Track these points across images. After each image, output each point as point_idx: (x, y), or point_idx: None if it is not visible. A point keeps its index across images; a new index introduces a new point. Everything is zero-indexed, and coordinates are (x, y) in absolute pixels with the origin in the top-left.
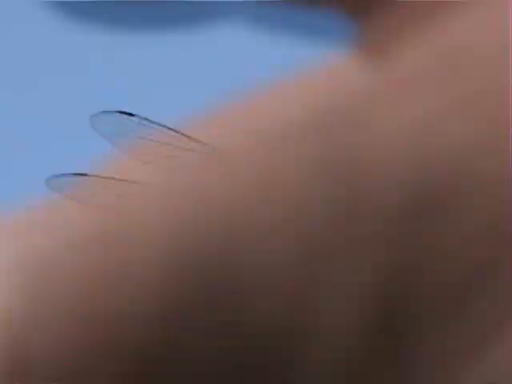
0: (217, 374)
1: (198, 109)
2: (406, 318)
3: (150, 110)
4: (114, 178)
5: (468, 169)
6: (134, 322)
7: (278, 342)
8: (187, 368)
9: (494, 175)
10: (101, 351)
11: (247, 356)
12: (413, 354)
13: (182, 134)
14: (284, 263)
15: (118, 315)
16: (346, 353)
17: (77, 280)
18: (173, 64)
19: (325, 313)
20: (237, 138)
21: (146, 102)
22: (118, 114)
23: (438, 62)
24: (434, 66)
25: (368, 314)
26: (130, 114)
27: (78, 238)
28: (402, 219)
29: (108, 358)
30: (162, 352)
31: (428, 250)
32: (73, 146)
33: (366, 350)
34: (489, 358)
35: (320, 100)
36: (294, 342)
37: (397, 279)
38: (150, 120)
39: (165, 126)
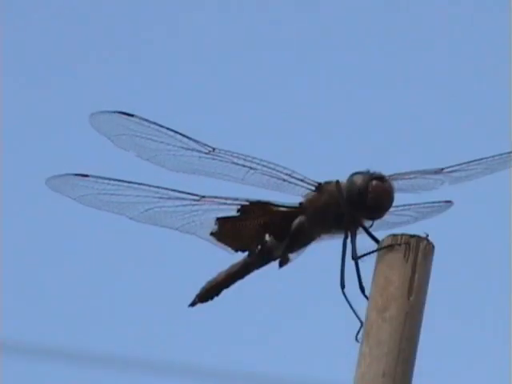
0: None
1: None
2: None
3: None
4: (114, 179)
5: None
6: None
7: None
8: None
9: None
10: None
11: None
12: None
13: (182, 134)
14: None
15: None
16: None
17: None
18: None
19: None
20: None
21: None
22: (117, 113)
23: None
24: None
25: None
26: (130, 115)
27: None
28: None
29: None
30: None
31: None
32: (73, 146)
33: None
34: None
35: None
36: None
37: None
38: (149, 121)
39: (164, 127)
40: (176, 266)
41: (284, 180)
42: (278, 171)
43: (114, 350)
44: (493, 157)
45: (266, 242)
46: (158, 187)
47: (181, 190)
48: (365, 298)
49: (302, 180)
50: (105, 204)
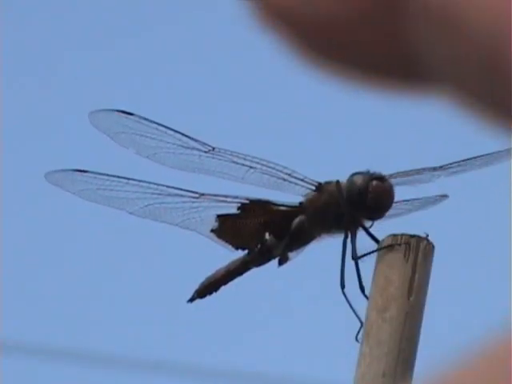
0: None
1: None
2: None
3: None
4: (113, 176)
5: None
6: None
7: None
8: None
9: None
10: None
11: None
12: None
13: (182, 133)
14: None
15: None
16: None
17: None
18: None
19: None
20: None
21: None
22: (116, 112)
23: None
24: None
25: None
26: (129, 113)
27: None
28: None
29: None
30: None
31: None
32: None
33: None
34: None
35: None
36: None
37: None
38: (149, 119)
39: (163, 126)
40: (175, 263)
41: (284, 179)
42: (278, 170)
43: (113, 350)
44: (491, 154)
45: (266, 240)
46: (157, 184)
47: (180, 187)
48: (365, 298)
49: (302, 180)
50: (104, 199)
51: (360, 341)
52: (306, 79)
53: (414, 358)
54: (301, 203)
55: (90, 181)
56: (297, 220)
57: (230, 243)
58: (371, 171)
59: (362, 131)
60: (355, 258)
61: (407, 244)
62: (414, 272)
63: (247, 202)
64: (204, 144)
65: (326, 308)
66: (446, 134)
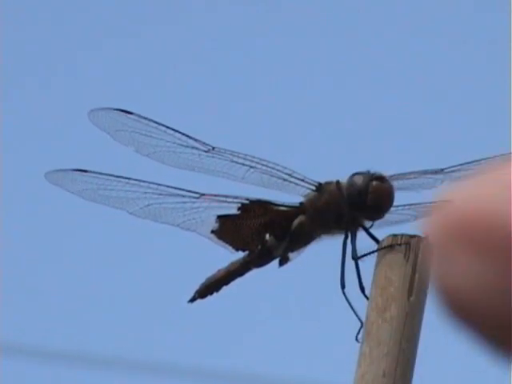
0: None
1: None
2: None
3: None
4: (113, 175)
5: None
6: None
7: None
8: None
9: None
10: None
11: None
12: None
13: (182, 132)
14: None
15: None
16: None
17: None
18: None
19: None
20: None
21: None
22: (116, 111)
23: None
24: None
25: None
26: (129, 112)
27: None
28: None
29: None
30: None
31: None
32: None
33: None
34: None
35: None
36: None
37: None
38: (148, 118)
39: (163, 125)
40: (174, 264)
41: (284, 179)
42: (278, 171)
43: (113, 350)
44: (493, 157)
45: (266, 241)
46: (157, 184)
47: (181, 186)
48: (365, 298)
49: (302, 180)
50: (104, 198)
51: (360, 341)
52: (306, 78)
53: (414, 358)
54: (301, 203)
55: (90, 180)
56: (297, 220)
57: (231, 244)
58: (371, 171)
59: (363, 131)
60: (355, 258)
61: (407, 244)
62: (414, 272)
63: (247, 202)
64: (204, 143)
65: (326, 308)
66: (446, 133)
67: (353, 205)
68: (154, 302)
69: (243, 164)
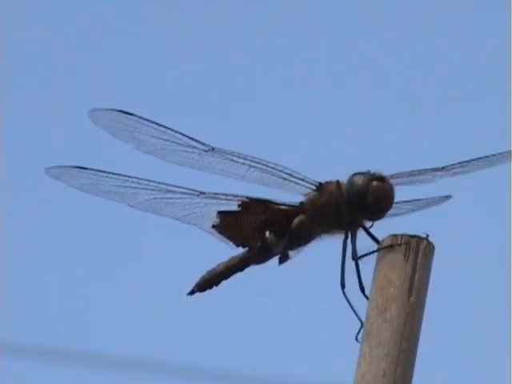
0: None
1: None
2: None
3: None
4: (112, 173)
5: None
6: None
7: None
8: None
9: None
10: None
11: None
12: None
13: (182, 133)
14: None
15: None
16: None
17: None
18: None
19: None
20: None
21: None
22: (116, 112)
23: None
24: None
25: None
26: (129, 113)
27: None
28: None
29: None
30: None
31: None
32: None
33: None
34: None
35: None
36: None
37: None
38: (148, 119)
39: (163, 126)
40: (173, 263)
41: (284, 179)
42: (278, 170)
43: (113, 349)
44: (493, 155)
45: (266, 238)
46: (156, 182)
47: (181, 184)
48: (365, 298)
49: (302, 179)
50: (105, 193)
51: (360, 341)
52: (306, 78)
53: (414, 358)
54: (301, 203)
55: (90, 177)
56: (297, 219)
57: (231, 240)
58: (372, 172)
59: (363, 131)
60: (355, 258)
61: (407, 244)
62: (414, 272)
63: (247, 200)
64: (204, 144)
65: (326, 308)
66: (446, 133)
67: (353, 205)
68: (154, 300)
69: (243, 163)
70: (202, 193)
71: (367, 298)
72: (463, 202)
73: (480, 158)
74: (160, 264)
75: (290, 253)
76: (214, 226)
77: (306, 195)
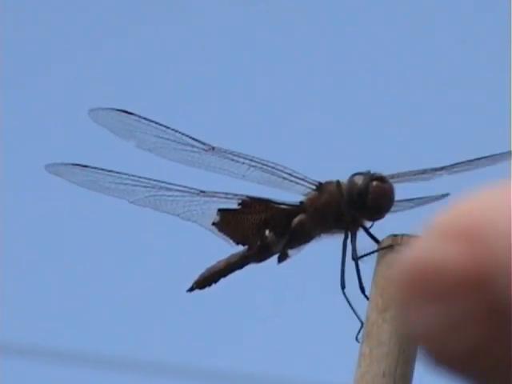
0: None
1: None
2: None
3: None
4: (112, 171)
5: None
6: None
7: None
8: None
9: None
10: None
11: None
12: None
13: (182, 133)
14: None
15: None
16: None
17: None
18: None
19: None
20: None
21: None
22: (116, 111)
23: None
24: None
25: None
26: (129, 113)
27: None
28: None
29: None
30: None
31: None
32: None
33: None
34: None
35: None
36: None
37: None
38: (148, 119)
39: (163, 125)
40: (174, 259)
41: (284, 178)
42: (278, 170)
43: (113, 349)
44: (493, 155)
45: (266, 237)
46: (157, 181)
47: (181, 182)
48: (365, 299)
49: (302, 179)
50: (105, 189)
51: (360, 341)
52: (306, 78)
53: (415, 359)
54: (301, 202)
55: (90, 174)
56: (297, 219)
57: (231, 238)
58: (372, 172)
59: (363, 131)
60: (355, 258)
61: (407, 244)
62: None
63: (247, 199)
64: (204, 143)
65: (326, 308)
66: (446, 133)
67: (353, 205)
68: (154, 300)
69: (243, 163)
70: (202, 191)
71: (367, 298)
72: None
73: (480, 158)
74: (160, 263)
75: (290, 252)
76: (214, 224)
77: (306, 195)
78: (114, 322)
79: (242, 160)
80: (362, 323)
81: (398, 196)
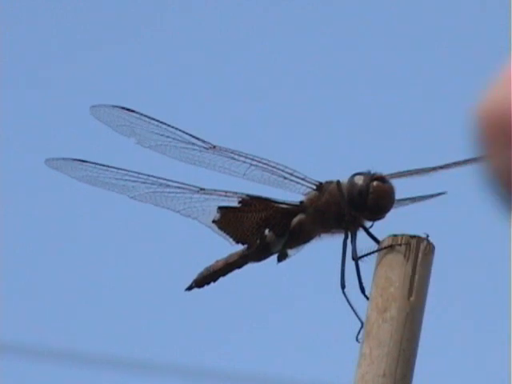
0: None
1: None
2: None
3: None
4: (111, 167)
5: None
6: None
7: None
8: None
9: None
10: None
11: None
12: None
13: (183, 131)
14: None
15: None
16: None
17: None
18: None
19: None
20: None
21: None
22: (117, 108)
23: None
24: None
25: None
26: (130, 110)
27: None
28: None
29: None
30: None
31: None
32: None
33: None
34: None
35: None
36: None
37: None
38: (149, 116)
39: (164, 123)
40: (173, 258)
41: (285, 178)
42: (279, 170)
43: (112, 349)
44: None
45: (266, 236)
46: (156, 177)
47: (182, 179)
48: (365, 299)
49: (302, 179)
50: (105, 184)
51: (360, 341)
52: (306, 78)
53: (415, 358)
54: (301, 202)
55: (89, 169)
56: (297, 218)
57: (231, 236)
58: (372, 172)
59: (363, 131)
60: (355, 258)
61: (407, 244)
62: (414, 272)
63: (247, 198)
64: (205, 142)
65: (326, 308)
66: (446, 133)
67: (353, 205)
68: (154, 299)
69: (244, 162)
70: (201, 189)
71: (367, 298)
72: (463, 202)
73: (480, 158)
74: (160, 263)
75: (289, 251)
76: (214, 221)
77: (306, 194)
78: (114, 321)
79: (242, 159)
80: (362, 323)
81: (398, 195)
